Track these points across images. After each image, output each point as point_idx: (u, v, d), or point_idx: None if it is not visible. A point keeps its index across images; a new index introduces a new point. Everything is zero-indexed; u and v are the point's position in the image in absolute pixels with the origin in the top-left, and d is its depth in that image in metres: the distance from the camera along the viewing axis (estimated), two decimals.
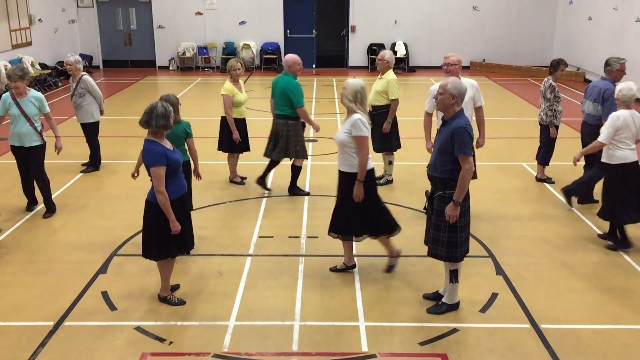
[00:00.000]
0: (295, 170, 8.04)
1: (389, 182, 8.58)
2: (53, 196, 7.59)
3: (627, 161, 6.34)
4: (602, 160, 6.55)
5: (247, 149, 8.45)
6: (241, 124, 8.22)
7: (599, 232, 6.89)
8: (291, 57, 7.69)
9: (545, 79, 8.42)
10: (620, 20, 15.47)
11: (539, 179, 8.74)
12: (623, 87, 6.36)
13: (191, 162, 6.42)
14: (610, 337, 4.94)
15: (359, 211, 5.57)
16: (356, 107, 5.39)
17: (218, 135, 8.34)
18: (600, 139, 6.42)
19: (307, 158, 8.03)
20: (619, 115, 6.34)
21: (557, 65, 8.28)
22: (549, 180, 8.68)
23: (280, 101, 7.63)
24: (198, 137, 7.21)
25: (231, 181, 8.58)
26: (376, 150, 8.38)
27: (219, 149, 8.40)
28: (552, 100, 8.26)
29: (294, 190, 8.13)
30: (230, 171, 8.59)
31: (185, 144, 6.29)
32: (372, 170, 5.56)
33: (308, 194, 8.17)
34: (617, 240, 6.61)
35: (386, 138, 8.18)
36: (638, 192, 6.42)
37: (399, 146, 8.38)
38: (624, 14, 15.30)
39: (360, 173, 5.41)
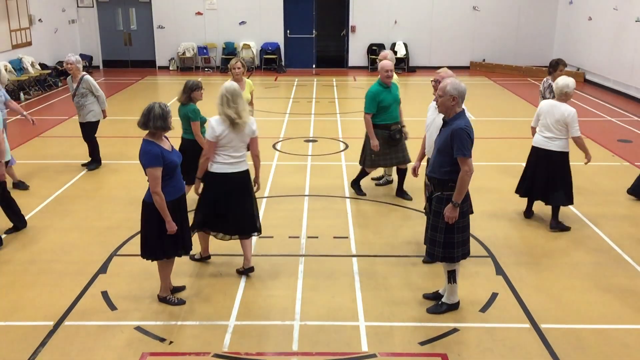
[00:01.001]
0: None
1: (389, 182, 8.56)
2: (53, 196, 7.58)
3: (535, 145, 7.02)
4: None
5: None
6: None
7: (565, 225, 7.07)
8: (380, 63, 7.63)
9: (545, 79, 8.40)
10: (620, 20, 15.46)
11: None
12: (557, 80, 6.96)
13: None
14: (610, 337, 4.94)
15: (207, 207, 5.61)
16: (222, 109, 5.36)
17: None
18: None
19: (374, 167, 7.87)
20: (541, 103, 7.09)
21: (556, 65, 8.27)
22: None
23: None
24: None
25: None
26: None
27: None
28: None
29: (401, 193, 7.97)
30: None
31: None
32: (220, 174, 5.47)
33: (409, 198, 7.95)
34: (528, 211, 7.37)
35: None
36: (545, 176, 6.89)
37: None
38: (624, 14, 15.30)
39: (198, 170, 5.54)
